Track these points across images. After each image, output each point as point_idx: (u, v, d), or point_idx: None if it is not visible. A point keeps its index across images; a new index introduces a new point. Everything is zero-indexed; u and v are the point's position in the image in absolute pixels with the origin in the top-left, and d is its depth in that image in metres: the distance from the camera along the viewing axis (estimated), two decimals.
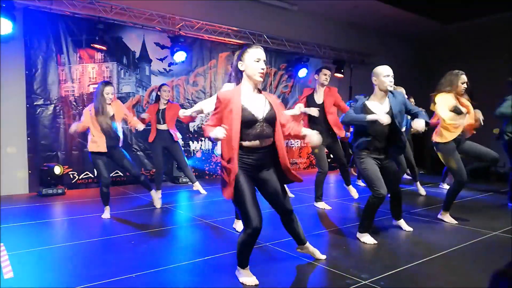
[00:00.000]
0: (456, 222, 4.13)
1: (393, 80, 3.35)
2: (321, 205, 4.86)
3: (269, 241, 3.36)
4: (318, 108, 4.59)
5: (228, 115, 2.40)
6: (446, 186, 6.36)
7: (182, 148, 5.63)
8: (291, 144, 8.70)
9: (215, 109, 2.49)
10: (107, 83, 4.27)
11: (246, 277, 2.56)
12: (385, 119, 3.20)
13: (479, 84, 8.53)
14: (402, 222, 3.86)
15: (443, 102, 3.87)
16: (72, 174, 6.10)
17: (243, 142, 2.43)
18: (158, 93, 5.32)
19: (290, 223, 2.75)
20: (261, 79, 2.45)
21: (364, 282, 2.56)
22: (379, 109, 3.33)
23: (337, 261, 3.02)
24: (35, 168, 5.77)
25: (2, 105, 5.51)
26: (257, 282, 2.52)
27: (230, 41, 7.42)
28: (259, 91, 2.53)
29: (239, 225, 3.77)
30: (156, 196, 4.87)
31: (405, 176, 6.64)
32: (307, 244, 2.91)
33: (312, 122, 4.66)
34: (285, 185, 2.66)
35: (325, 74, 4.71)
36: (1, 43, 5.37)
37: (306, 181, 4.96)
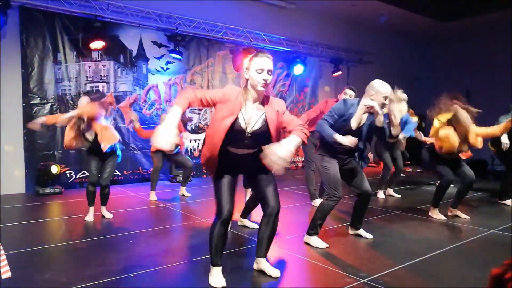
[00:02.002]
0: (445, 218, 4.22)
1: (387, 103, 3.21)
2: (318, 202, 4.84)
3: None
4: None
5: (220, 119, 2.36)
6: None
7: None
8: None
9: (217, 97, 2.40)
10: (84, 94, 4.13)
11: (215, 278, 2.47)
12: (353, 144, 3.12)
13: (478, 83, 8.60)
14: (361, 231, 3.59)
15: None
16: (69, 173, 6.08)
17: (227, 146, 2.41)
18: None
19: (267, 225, 2.56)
20: (263, 89, 2.36)
21: (362, 281, 2.56)
22: (354, 120, 3.23)
23: (335, 259, 3.02)
24: (32, 167, 5.74)
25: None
26: (224, 285, 2.43)
27: (228, 39, 7.40)
28: (265, 99, 2.45)
29: None
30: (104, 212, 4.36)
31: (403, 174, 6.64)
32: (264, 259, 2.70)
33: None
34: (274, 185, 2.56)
35: (350, 96, 4.45)
36: None
37: (304, 180, 4.98)
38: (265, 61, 2.34)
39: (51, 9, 5.70)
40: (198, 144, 7.44)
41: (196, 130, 7.34)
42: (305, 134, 2.36)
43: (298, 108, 8.76)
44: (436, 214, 4.32)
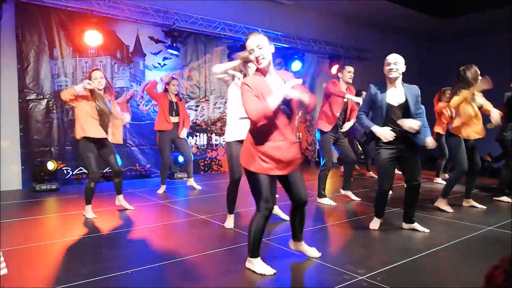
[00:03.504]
0: (452, 210, 4.35)
1: (394, 68, 3.29)
2: (326, 201, 4.83)
3: (265, 237, 3.34)
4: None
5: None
6: (440, 181, 6.39)
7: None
8: None
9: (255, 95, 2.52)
10: (95, 69, 4.11)
11: (263, 267, 2.59)
12: (389, 137, 3.25)
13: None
14: (416, 225, 3.66)
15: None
16: (66, 169, 6.05)
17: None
18: (167, 86, 5.55)
19: (299, 215, 2.77)
20: (262, 65, 2.47)
21: (360, 278, 2.56)
22: (391, 97, 3.35)
23: (334, 256, 3.03)
24: (28, 163, 5.71)
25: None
26: (274, 270, 2.58)
27: (225, 35, 7.37)
28: (277, 72, 2.59)
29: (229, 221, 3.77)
30: (124, 202, 4.49)
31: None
32: (302, 242, 2.92)
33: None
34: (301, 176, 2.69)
35: (350, 72, 4.67)
36: None
37: (304, 177, 4.97)
38: (252, 40, 2.48)
39: (47, 4, 5.64)
40: (196, 140, 7.42)
41: (194, 126, 7.31)
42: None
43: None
44: (444, 205, 4.39)
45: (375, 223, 3.69)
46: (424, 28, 9.96)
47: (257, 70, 2.56)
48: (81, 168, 6.12)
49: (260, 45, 2.45)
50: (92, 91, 3.97)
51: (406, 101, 3.32)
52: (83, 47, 6.04)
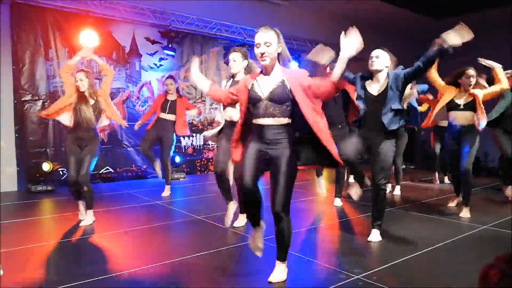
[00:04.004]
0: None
1: (376, 61, 3.33)
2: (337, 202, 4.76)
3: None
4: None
5: (241, 96, 2.50)
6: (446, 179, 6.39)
7: (174, 144, 5.50)
8: None
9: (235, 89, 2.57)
10: (80, 70, 3.85)
11: (253, 242, 2.58)
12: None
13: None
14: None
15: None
16: (62, 170, 6.02)
17: (253, 120, 2.45)
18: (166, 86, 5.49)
19: (276, 229, 2.47)
20: (265, 62, 2.38)
21: (356, 277, 2.57)
22: (371, 87, 3.41)
23: (329, 255, 3.03)
24: (24, 164, 5.68)
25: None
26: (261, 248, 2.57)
27: (221, 35, 7.37)
28: (283, 71, 2.46)
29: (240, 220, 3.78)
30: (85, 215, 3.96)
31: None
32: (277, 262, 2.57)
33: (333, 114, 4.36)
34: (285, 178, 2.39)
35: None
36: None
37: (300, 176, 4.98)
38: (260, 35, 2.38)
39: (43, 5, 5.63)
40: (192, 141, 7.42)
41: (190, 127, 7.30)
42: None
43: None
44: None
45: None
46: (421, 29, 9.99)
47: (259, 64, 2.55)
48: None
49: (268, 43, 2.37)
50: (79, 97, 3.77)
51: (385, 90, 3.30)
52: (78, 48, 6.00)
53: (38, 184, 5.48)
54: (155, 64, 6.89)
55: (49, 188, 5.52)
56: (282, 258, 2.53)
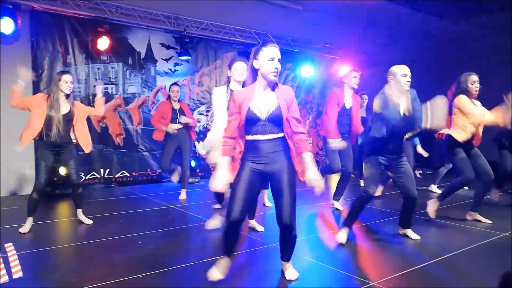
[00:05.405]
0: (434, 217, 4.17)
1: (410, 80, 3.27)
2: (336, 204, 4.80)
3: (276, 242, 3.33)
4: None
5: (237, 114, 2.48)
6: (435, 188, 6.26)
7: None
8: None
9: (231, 111, 2.52)
10: (63, 72, 3.89)
11: (214, 268, 2.56)
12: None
13: (485, 82, 8.47)
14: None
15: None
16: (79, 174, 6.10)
17: (246, 136, 2.46)
18: (169, 93, 5.48)
19: (282, 237, 2.57)
20: (275, 78, 2.41)
21: (372, 284, 2.53)
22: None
23: (344, 262, 3.00)
24: None
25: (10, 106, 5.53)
26: (221, 277, 2.53)
27: (235, 40, 7.40)
28: (274, 87, 2.48)
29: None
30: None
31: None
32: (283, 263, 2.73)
33: (339, 125, 4.36)
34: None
35: (355, 77, 4.39)
36: (7, 44, 5.41)
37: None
38: (275, 51, 2.40)
39: (61, 12, 5.76)
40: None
41: (205, 131, 7.34)
42: (310, 144, 2.45)
43: (306, 109, 8.74)
44: (432, 208, 4.16)
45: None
46: (438, 33, 9.87)
47: (263, 80, 2.45)
48: (94, 173, 6.19)
49: (279, 59, 2.41)
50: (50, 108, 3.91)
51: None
52: (95, 53, 6.13)
53: (56, 187, 5.57)
54: (170, 70, 6.96)
55: (67, 191, 5.59)
56: (287, 259, 2.68)
